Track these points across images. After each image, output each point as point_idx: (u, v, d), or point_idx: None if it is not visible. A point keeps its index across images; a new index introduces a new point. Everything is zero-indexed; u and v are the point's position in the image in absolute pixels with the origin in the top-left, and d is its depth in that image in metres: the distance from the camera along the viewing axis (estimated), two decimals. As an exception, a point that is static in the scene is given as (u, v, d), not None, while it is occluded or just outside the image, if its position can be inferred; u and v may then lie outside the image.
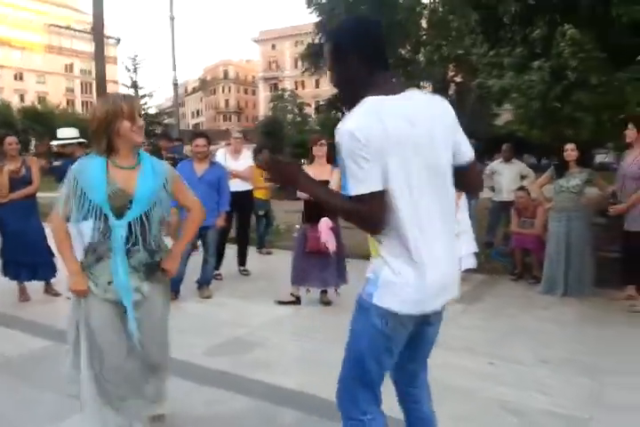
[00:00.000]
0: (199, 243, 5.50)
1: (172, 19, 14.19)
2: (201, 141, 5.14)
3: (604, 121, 6.75)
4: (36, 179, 5.04)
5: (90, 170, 2.19)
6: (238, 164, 6.04)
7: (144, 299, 2.30)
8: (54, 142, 5.17)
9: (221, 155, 6.10)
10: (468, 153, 1.77)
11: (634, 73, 6.63)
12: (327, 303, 4.92)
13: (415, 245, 1.62)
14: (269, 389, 3.09)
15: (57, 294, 5.19)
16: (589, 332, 4.16)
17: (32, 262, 5.00)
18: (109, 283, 2.22)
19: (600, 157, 26.00)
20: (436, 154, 1.66)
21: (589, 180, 5.13)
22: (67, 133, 5.12)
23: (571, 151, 5.14)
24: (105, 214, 2.18)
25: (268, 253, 7.50)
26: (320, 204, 1.70)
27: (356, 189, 1.56)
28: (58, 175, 5.23)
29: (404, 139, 1.58)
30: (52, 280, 5.25)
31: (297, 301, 4.91)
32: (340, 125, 1.60)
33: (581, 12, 6.88)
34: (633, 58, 7.66)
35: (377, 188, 1.56)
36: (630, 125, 4.72)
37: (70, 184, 2.19)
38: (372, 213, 1.58)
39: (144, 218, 2.23)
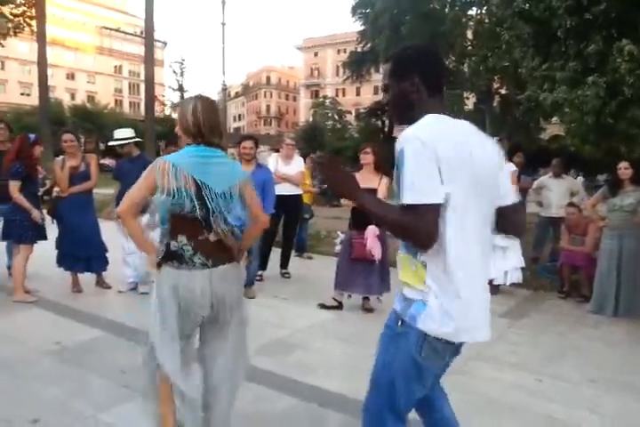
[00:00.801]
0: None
1: (224, 24, 14.54)
2: (248, 144, 5.23)
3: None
4: (95, 175, 5.24)
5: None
6: (289, 168, 6.14)
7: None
8: (112, 143, 5.35)
9: (273, 160, 6.21)
10: (509, 195, 1.78)
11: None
12: (369, 310, 4.93)
13: (460, 274, 1.59)
14: (314, 391, 3.13)
15: (108, 287, 5.38)
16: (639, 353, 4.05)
17: (87, 256, 5.19)
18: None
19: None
20: (487, 186, 1.65)
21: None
22: (123, 134, 5.30)
23: (624, 169, 5.04)
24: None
25: (309, 258, 7.55)
26: (367, 213, 1.64)
27: (413, 198, 1.50)
28: (115, 173, 5.43)
29: (466, 161, 1.58)
30: (104, 274, 5.44)
31: (339, 306, 4.94)
32: (405, 132, 1.59)
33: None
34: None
35: (436, 200, 1.51)
36: None
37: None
38: (427, 226, 1.51)
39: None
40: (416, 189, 1.50)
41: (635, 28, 6.79)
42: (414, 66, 1.72)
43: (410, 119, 1.68)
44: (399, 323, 1.66)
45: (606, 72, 6.76)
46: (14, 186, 4.77)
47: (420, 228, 1.50)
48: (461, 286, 1.58)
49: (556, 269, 5.86)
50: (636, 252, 4.97)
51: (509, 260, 4.82)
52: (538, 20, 7.93)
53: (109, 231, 5.50)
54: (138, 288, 5.28)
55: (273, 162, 6.14)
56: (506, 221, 1.77)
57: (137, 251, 5.15)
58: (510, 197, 1.78)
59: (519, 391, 3.24)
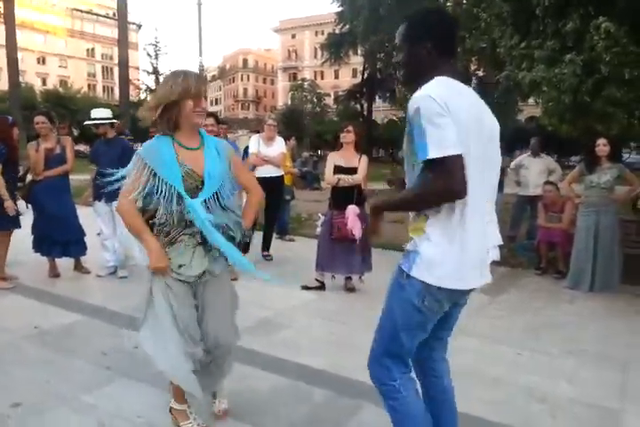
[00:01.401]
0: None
1: (200, 4, 14.20)
2: (209, 121, 5.01)
3: (635, 116, 6.65)
4: (71, 158, 5.13)
5: (160, 152, 2.14)
6: (271, 150, 6.07)
7: (214, 279, 2.30)
8: (88, 122, 5.22)
9: (255, 141, 6.12)
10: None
11: (669, 68, 6.52)
12: (351, 290, 4.95)
13: (461, 220, 1.67)
14: (300, 368, 3.15)
15: (87, 272, 5.30)
16: (616, 326, 4.14)
17: (64, 240, 5.09)
18: (180, 266, 2.21)
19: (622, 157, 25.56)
20: (491, 147, 1.77)
21: (620, 175, 5.09)
22: (100, 114, 5.18)
23: (603, 146, 5.10)
24: (177, 196, 2.12)
25: (291, 241, 7.54)
26: (396, 209, 1.82)
27: (437, 151, 1.56)
28: (91, 156, 5.31)
29: (474, 119, 1.67)
30: (82, 258, 5.36)
31: (322, 286, 4.95)
32: (419, 92, 1.65)
33: (617, 4, 6.76)
34: (669, 53, 7.50)
35: (458, 151, 1.58)
36: None
37: (138, 167, 2.13)
38: (457, 175, 1.57)
39: (215, 199, 2.19)
40: (439, 142, 1.57)
41: (611, 6, 6.80)
42: (427, 31, 1.79)
43: (419, 82, 1.74)
44: (403, 275, 1.76)
45: (583, 50, 6.77)
46: None
47: (451, 178, 1.57)
48: (459, 236, 1.68)
49: (534, 247, 5.95)
50: (612, 228, 5.07)
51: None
52: (516, -2, 7.90)
53: (86, 216, 5.41)
54: (117, 272, 5.22)
55: (255, 143, 6.06)
56: None
57: (115, 235, 5.12)
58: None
59: (499, 364, 3.30)
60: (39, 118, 4.99)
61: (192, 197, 2.14)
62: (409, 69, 1.87)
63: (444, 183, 1.59)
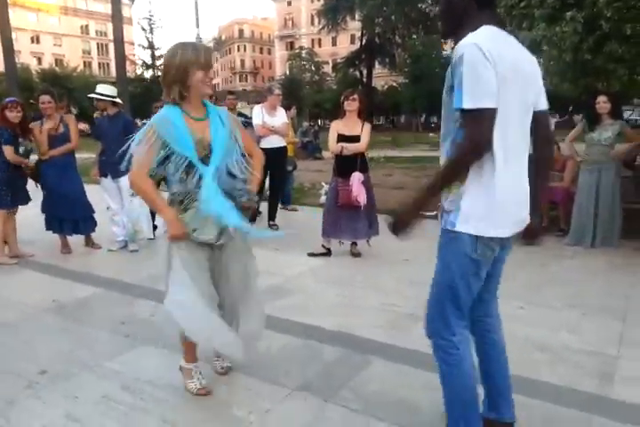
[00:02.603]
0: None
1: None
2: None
3: (637, 72, 6.59)
4: (75, 136, 5.18)
5: (171, 122, 2.19)
6: (274, 119, 6.07)
7: (231, 243, 2.38)
8: (92, 95, 5.22)
9: (258, 111, 6.10)
10: (544, 103, 1.90)
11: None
12: (357, 255, 5.06)
13: (499, 170, 1.72)
14: (310, 329, 3.27)
15: (98, 247, 5.43)
16: (618, 279, 4.24)
17: (74, 217, 5.21)
18: (194, 230, 2.27)
19: (625, 114, 25.27)
20: (530, 94, 1.79)
21: (620, 132, 5.09)
22: (106, 90, 5.17)
23: (603, 103, 5.09)
24: (189, 165, 2.19)
25: (294, 210, 7.62)
26: (441, 186, 1.77)
27: (473, 102, 1.59)
28: (95, 132, 5.36)
29: (514, 70, 1.69)
30: (93, 234, 5.48)
31: (328, 252, 5.06)
32: (464, 40, 1.66)
33: (618, -43, 6.61)
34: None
35: (493, 104, 1.60)
36: None
37: (149, 137, 2.17)
38: (485, 131, 1.61)
39: (223, 166, 2.27)
40: (475, 93, 1.59)
41: (612, -41, 6.65)
42: None
43: (459, 34, 1.74)
44: (450, 230, 1.80)
45: (584, 6, 6.66)
46: (9, 149, 4.74)
47: (479, 133, 1.61)
48: (496, 183, 1.72)
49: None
50: (613, 185, 5.11)
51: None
52: (516, -45, 7.71)
53: (95, 193, 5.51)
54: (127, 246, 5.34)
55: (258, 113, 6.05)
56: (536, 125, 1.87)
57: (122, 210, 5.22)
58: (545, 104, 1.90)
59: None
60: (45, 98, 5.02)
61: (206, 164, 2.21)
62: (448, 23, 1.87)
63: (472, 136, 1.63)
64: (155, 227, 5.68)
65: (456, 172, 1.73)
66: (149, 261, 4.89)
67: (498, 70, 1.61)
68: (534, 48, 7.82)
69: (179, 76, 2.17)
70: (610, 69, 6.71)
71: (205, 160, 2.23)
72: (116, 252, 5.32)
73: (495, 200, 1.74)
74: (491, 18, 1.78)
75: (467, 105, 1.59)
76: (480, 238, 1.77)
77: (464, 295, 1.88)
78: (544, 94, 1.89)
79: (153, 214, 5.51)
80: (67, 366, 2.84)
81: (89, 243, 5.47)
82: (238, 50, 72.85)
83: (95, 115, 7.20)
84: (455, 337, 1.89)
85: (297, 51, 50.08)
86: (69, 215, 5.19)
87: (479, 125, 1.61)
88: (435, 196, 1.79)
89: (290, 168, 7.43)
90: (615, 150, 5.16)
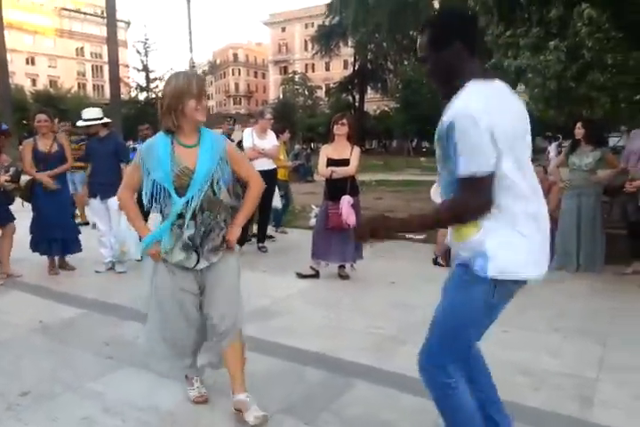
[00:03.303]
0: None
1: (189, 1, 14.19)
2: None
3: (619, 101, 6.78)
4: (69, 156, 5.25)
5: (155, 150, 2.31)
6: (265, 142, 6.15)
7: (212, 266, 2.43)
8: (80, 123, 5.31)
9: (248, 134, 6.19)
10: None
11: (650, 53, 6.63)
12: (345, 277, 5.09)
13: (523, 216, 1.71)
14: (295, 351, 3.28)
15: (72, 269, 5.42)
16: (601, 304, 4.29)
17: (63, 237, 5.23)
18: (165, 252, 2.38)
19: (613, 141, 25.72)
20: (526, 147, 1.80)
21: (602, 158, 5.21)
22: (92, 114, 5.26)
23: (578, 129, 5.23)
24: (168, 192, 2.30)
25: (283, 233, 7.64)
26: (426, 228, 1.77)
27: (470, 169, 1.61)
28: (86, 154, 5.41)
29: (514, 126, 1.71)
30: (78, 255, 5.47)
31: (316, 274, 5.09)
32: (456, 105, 1.65)
33: (599, -10, 6.87)
34: (649, 37, 7.59)
35: (490, 169, 1.62)
36: None
37: (137, 162, 2.36)
38: (484, 194, 1.64)
39: (202, 195, 2.32)
40: (471, 161, 1.61)
41: (593, -8, 6.91)
42: (454, 31, 1.73)
43: (454, 88, 1.72)
44: (470, 273, 1.75)
45: (567, 36, 6.89)
46: None
47: (479, 198, 1.64)
48: (520, 223, 1.70)
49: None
50: (594, 209, 5.20)
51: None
52: (501, -14, 7.99)
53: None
54: (115, 268, 5.34)
55: (248, 136, 6.14)
56: None
57: (110, 232, 5.23)
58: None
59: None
60: (41, 116, 5.09)
61: (184, 194, 2.31)
62: (442, 79, 1.81)
63: (471, 200, 1.66)
64: None
65: (452, 224, 1.76)
66: (136, 283, 4.86)
67: (499, 133, 1.63)
68: (520, 76, 8.06)
69: (173, 106, 2.27)
70: (593, 97, 6.91)
71: (185, 189, 2.31)
72: (103, 273, 5.31)
73: (524, 236, 1.71)
74: (480, 67, 1.78)
75: (464, 173, 1.63)
76: (501, 282, 1.72)
77: (471, 340, 1.89)
78: (529, 148, 1.86)
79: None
80: (50, 387, 2.83)
81: (63, 265, 5.44)
82: (233, 74, 73.78)
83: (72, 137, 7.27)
84: (453, 380, 1.86)
85: (290, 75, 50.80)
86: (60, 235, 5.20)
87: (478, 190, 1.64)
88: (421, 230, 1.80)
89: (281, 193, 7.43)
90: (597, 176, 5.27)
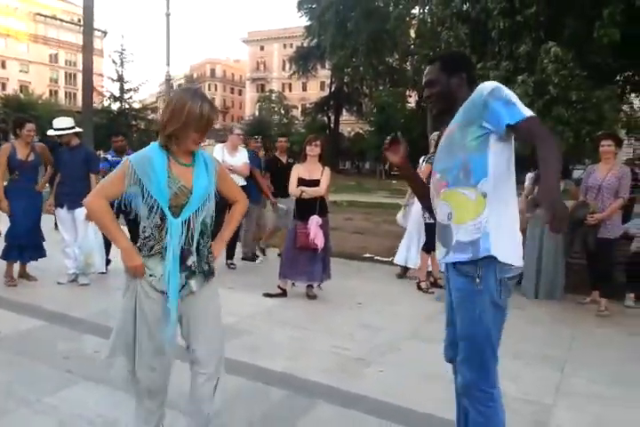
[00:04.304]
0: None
1: (168, 15, 14.26)
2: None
3: (582, 136, 7.08)
4: (50, 164, 5.29)
5: (152, 165, 2.10)
6: (235, 159, 6.19)
7: (193, 295, 2.22)
8: (51, 132, 5.26)
9: (219, 150, 6.22)
10: None
11: (611, 92, 6.99)
12: (313, 297, 5.11)
13: (513, 209, 1.95)
14: (259, 370, 3.27)
15: (34, 280, 5.33)
16: (560, 331, 4.42)
17: (34, 243, 5.19)
18: (150, 276, 2.14)
19: (578, 173, 26.63)
20: None
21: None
22: (63, 124, 5.22)
23: None
24: (162, 211, 2.10)
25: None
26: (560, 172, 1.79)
27: (530, 112, 1.83)
28: (55, 163, 5.34)
29: None
30: (41, 266, 5.35)
31: (284, 293, 5.09)
32: (485, 84, 1.93)
33: (565, 30, 7.24)
34: (611, 77, 8.03)
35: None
36: (608, 142, 5.04)
37: (126, 174, 2.09)
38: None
39: (196, 216, 2.16)
40: (524, 107, 1.85)
41: (560, 32, 7.28)
42: (462, 64, 2.14)
43: (451, 110, 2.04)
44: (476, 280, 1.89)
45: (535, 72, 7.21)
46: None
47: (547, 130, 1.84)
48: (513, 217, 1.95)
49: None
50: (555, 238, 5.38)
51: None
52: (474, 20, 8.33)
53: (46, 223, 5.46)
54: (78, 279, 5.23)
55: (219, 153, 6.16)
56: None
57: (75, 242, 5.14)
58: None
59: (445, 366, 3.49)
60: (31, 126, 5.12)
61: (179, 214, 2.13)
62: (445, 101, 2.09)
63: (547, 133, 1.81)
64: (108, 261, 5.60)
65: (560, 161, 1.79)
66: (99, 296, 4.80)
67: None
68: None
69: (175, 131, 2.09)
70: (558, 131, 7.20)
71: (181, 208, 2.13)
72: (66, 285, 5.19)
73: (514, 229, 1.94)
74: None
75: (529, 113, 1.81)
76: (502, 281, 1.88)
77: (498, 342, 1.97)
78: None
79: (107, 248, 5.45)
80: (4, 401, 2.74)
81: (24, 275, 5.33)
82: (209, 89, 73.76)
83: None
84: (495, 389, 1.95)
85: (267, 93, 51.15)
86: (31, 241, 5.16)
87: (544, 127, 1.83)
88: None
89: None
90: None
